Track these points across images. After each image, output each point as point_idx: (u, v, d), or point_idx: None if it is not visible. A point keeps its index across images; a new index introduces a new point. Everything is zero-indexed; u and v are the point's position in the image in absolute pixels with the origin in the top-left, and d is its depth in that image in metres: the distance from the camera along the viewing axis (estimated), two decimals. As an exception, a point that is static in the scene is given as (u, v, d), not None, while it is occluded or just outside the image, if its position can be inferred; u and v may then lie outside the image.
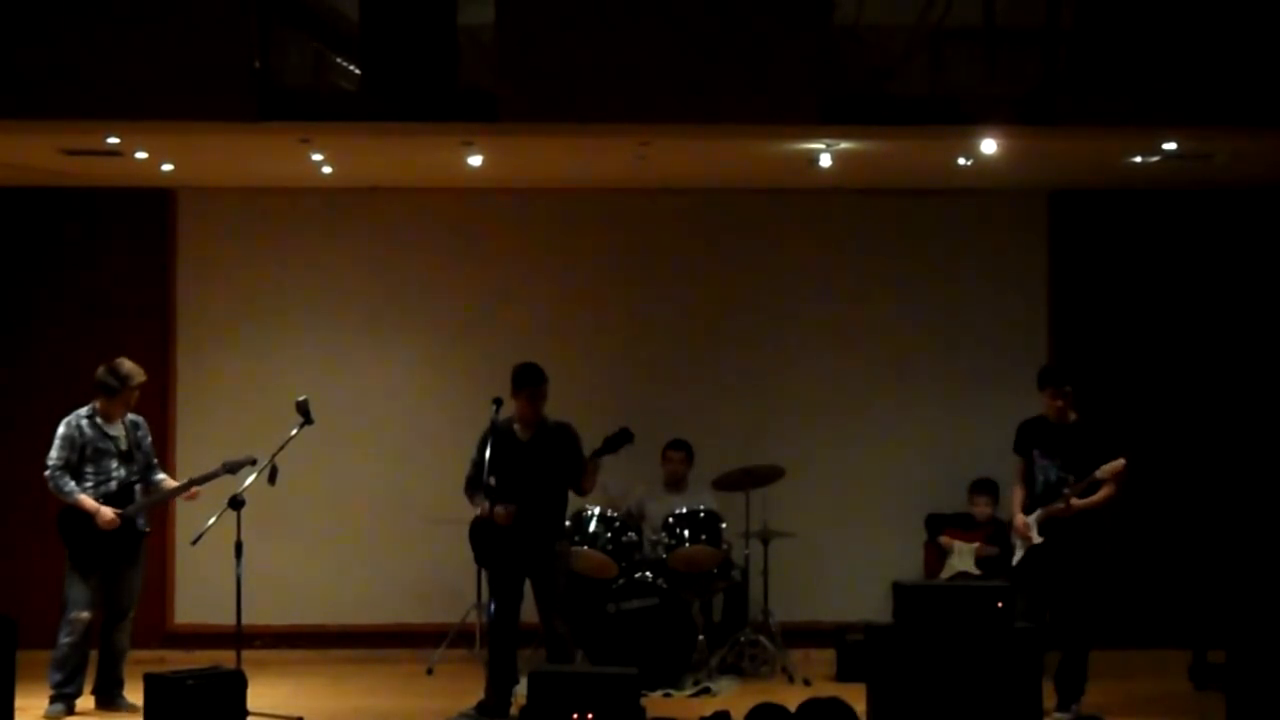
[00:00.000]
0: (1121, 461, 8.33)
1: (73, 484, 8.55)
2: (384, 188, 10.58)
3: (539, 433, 8.52)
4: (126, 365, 8.75)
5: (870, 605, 9.94)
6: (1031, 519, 8.52)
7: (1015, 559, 8.69)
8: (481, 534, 8.49)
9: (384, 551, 10.57)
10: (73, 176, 10.00)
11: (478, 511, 8.48)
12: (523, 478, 8.41)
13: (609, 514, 9.65)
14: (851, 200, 10.66)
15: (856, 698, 7.62)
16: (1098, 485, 8.39)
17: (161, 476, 8.92)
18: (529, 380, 8.48)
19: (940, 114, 8.79)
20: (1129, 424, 10.58)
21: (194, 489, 8.68)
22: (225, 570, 8.37)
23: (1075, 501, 8.39)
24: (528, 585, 8.56)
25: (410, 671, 10.00)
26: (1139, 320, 10.69)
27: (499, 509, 8.35)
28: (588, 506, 9.52)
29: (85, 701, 8.70)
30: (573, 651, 8.63)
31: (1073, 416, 8.63)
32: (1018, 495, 8.70)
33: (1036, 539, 8.49)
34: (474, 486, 8.50)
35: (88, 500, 8.55)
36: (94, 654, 8.74)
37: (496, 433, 8.47)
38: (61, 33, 8.45)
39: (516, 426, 8.54)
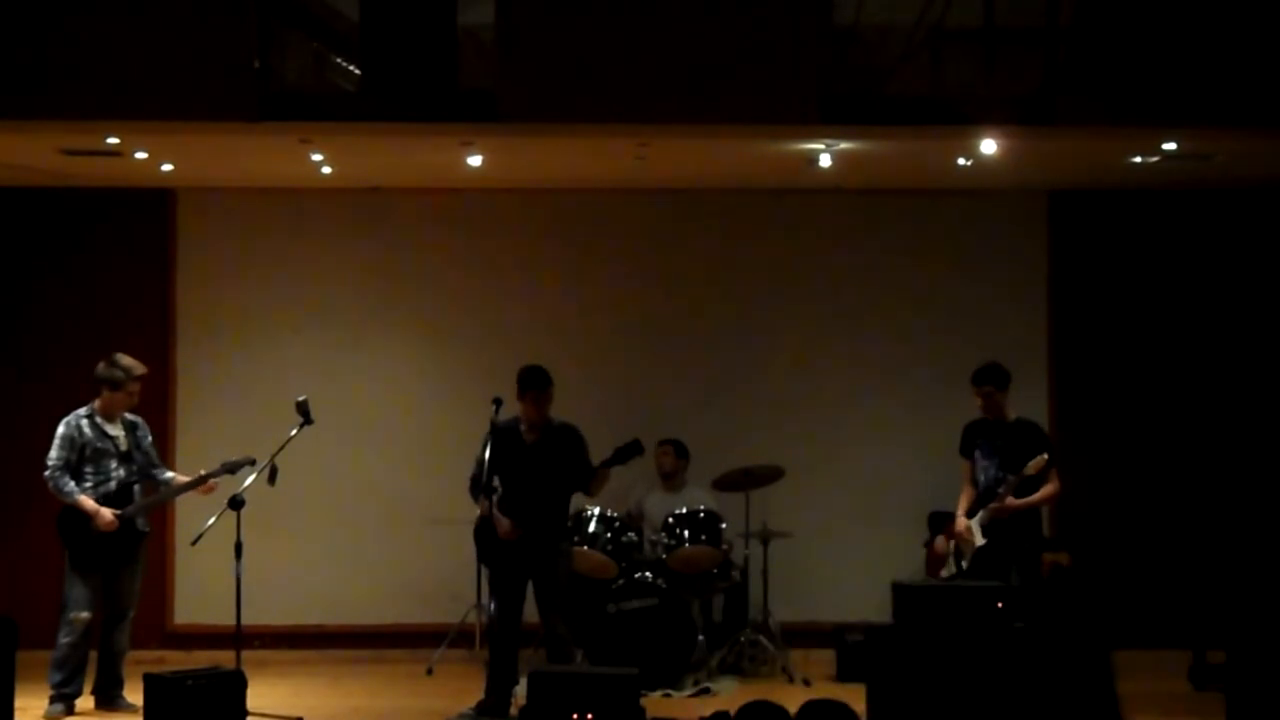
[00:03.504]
0: (1044, 457, 8.34)
1: (72, 484, 8.55)
2: (384, 188, 10.58)
3: (544, 434, 8.53)
4: (126, 359, 8.78)
5: (870, 605, 9.91)
6: (974, 521, 8.53)
7: (964, 564, 8.67)
8: (486, 533, 8.49)
9: (384, 551, 10.57)
10: (73, 176, 10.00)
11: (479, 511, 8.50)
12: (527, 479, 8.43)
13: (609, 514, 9.65)
14: (851, 200, 10.65)
15: (856, 698, 7.60)
16: (1030, 482, 8.39)
17: (170, 475, 8.91)
18: (533, 383, 8.50)
19: (940, 114, 8.78)
20: (1129, 423, 10.64)
21: (211, 481, 8.66)
22: (225, 570, 8.37)
23: (1011, 501, 8.40)
24: (529, 586, 8.57)
25: (410, 671, 10.00)
26: (1139, 320, 10.68)
27: (504, 521, 8.36)
28: (588, 506, 9.52)
29: (85, 701, 8.71)
30: (573, 652, 8.63)
31: (1011, 416, 8.64)
32: (963, 498, 8.70)
33: (980, 541, 8.49)
34: (476, 486, 8.51)
35: (87, 501, 8.54)
36: (94, 654, 8.74)
37: (502, 433, 8.48)
38: (61, 32, 8.44)
39: (523, 428, 8.55)
